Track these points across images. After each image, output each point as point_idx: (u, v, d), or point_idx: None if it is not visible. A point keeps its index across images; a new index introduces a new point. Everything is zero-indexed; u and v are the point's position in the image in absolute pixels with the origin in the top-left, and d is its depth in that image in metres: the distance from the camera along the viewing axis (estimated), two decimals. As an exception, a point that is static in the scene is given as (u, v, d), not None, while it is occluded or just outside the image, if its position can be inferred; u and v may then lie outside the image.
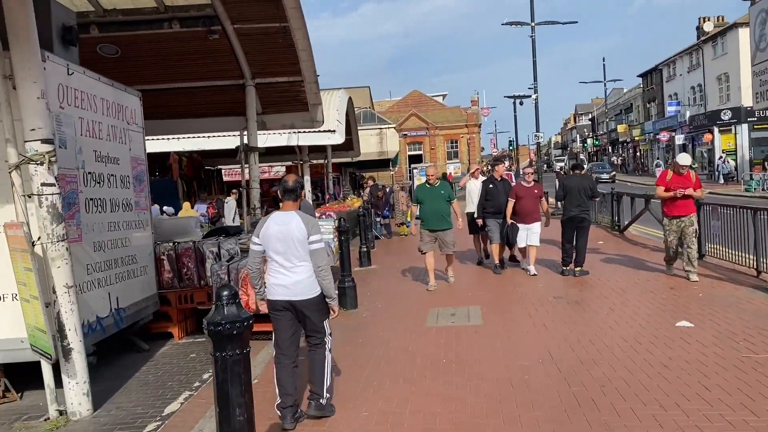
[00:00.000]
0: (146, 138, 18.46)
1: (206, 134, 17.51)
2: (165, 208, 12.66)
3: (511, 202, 10.61)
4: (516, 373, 5.63)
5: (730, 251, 10.18)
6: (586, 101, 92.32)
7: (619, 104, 67.64)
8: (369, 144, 31.60)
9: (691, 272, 9.29)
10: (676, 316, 7.35)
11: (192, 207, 19.30)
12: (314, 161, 26.32)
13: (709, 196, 27.71)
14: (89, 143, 5.98)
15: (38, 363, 5.04)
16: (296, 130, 17.30)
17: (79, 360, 4.91)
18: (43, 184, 4.72)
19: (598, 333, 6.82)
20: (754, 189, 27.90)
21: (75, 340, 4.89)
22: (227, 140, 17.83)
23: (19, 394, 5.70)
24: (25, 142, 4.80)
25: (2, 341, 5.20)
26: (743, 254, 9.63)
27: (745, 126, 38.01)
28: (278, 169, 31.07)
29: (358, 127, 32.10)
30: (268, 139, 17.83)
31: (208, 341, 3.19)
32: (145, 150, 7.40)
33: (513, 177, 19.55)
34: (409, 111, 62.83)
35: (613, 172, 49.13)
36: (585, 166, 51.98)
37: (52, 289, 4.79)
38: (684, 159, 9.61)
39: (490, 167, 14.51)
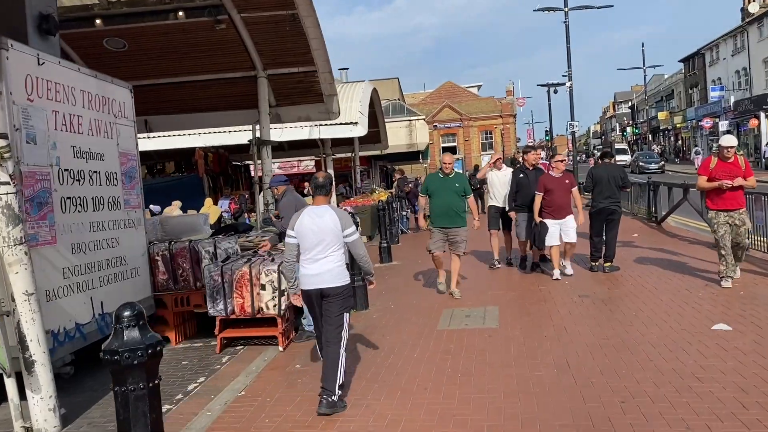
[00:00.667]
0: (172, 133, 18.53)
1: (231, 128, 17.20)
2: (151, 206, 12.31)
3: (538, 197, 9.32)
4: (526, 385, 5.06)
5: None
6: (626, 89, 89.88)
7: (659, 91, 65.51)
8: (398, 136, 30.94)
9: (726, 276, 8.01)
10: (713, 317, 6.66)
11: (216, 203, 19.13)
12: (342, 155, 25.92)
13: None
14: (66, 138, 5.60)
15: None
16: (317, 123, 16.84)
17: (43, 373, 4.53)
18: (-5, 183, 4.34)
19: (623, 337, 6.18)
20: (804, 176, 26.43)
21: (38, 351, 4.50)
22: (286, 132, 17.44)
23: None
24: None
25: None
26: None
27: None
28: (308, 163, 30.79)
29: (387, 119, 31.55)
30: (287, 133, 17.47)
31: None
32: (136, 145, 7.01)
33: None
34: (442, 102, 62.01)
35: (662, 162, 43.48)
36: (627, 155, 49.68)
37: (10, 296, 4.41)
38: (729, 140, 8.12)
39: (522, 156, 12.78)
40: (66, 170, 5.56)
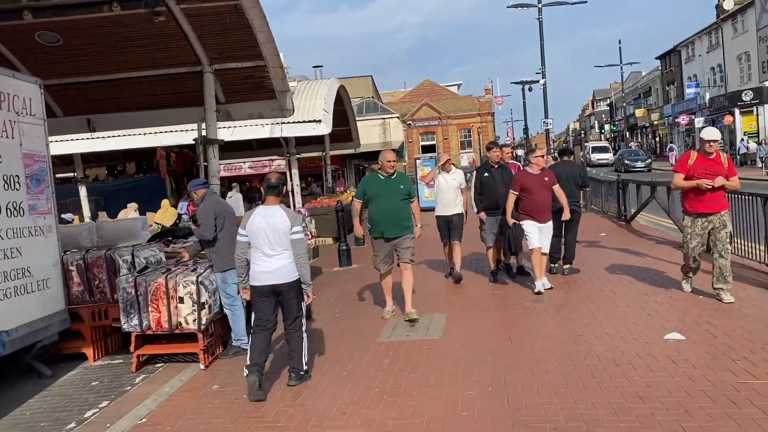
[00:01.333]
0: (132, 132, 17.85)
1: (193, 127, 16.60)
2: (63, 215, 11.67)
3: (512, 196, 8.12)
4: (454, 408, 4.58)
5: (738, 242, 9.00)
6: (605, 87, 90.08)
7: (637, 88, 65.63)
8: (372, 134, 30.56)
9: (723, 290, 6.94)
10: (667, 325, 6.24)
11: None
12: (311, 154, 25.38)
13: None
14: (-51, 138, 5.04)
15: None
16: (279, 121, 16.29)
17: None
18: None
19: (570, 349, 5.73)
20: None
21: None
22: (220, 133, 16.87)
23: None
24: None
25: None
26: (753, 245, 8.46)
27: (767, 106, 36.20)
28: (280, 162, 30.23)
29: (361, 118, 31.08)
30: (248, 131, 16.94)
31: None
32: (47, 145, 6.45)
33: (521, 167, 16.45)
34: (421, 101, 61.63)
35: (649, 160, 40.28)
36: (608, 153, 48.18)
37: None
38: (711, 133, 6.99)
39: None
40: (-53, 174, 4.99)
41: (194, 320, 5.98)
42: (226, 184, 23.18)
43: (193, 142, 17.73)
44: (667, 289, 7.81)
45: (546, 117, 29.88)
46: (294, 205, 18.00)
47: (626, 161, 39.29)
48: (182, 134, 18.68)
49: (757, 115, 37.06)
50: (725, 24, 41.24)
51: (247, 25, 9.94)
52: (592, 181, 20.24)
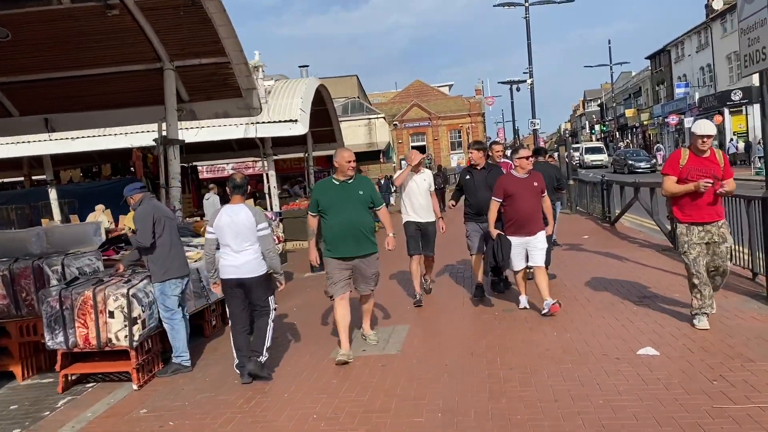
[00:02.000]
0: (105, 132, 17.25)
1: (190, 127, 16.04)
2: None
3: (494, 204, 7.11)
4: (396, 438, 4.10)
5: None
6: (596, 87, 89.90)
7: (627, 88, 65.39)
8: (357, 135, 30.04)
9: (701, 313, 5.98)
10: (641, 338, 5.77)
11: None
12: (297, 155, 24.87)
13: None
14: None
15: None
16: (253, 121, 15.81)
17: None
18: None
19: (534, 366, 5.26)
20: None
21: None
22: (190, 133, 16.39)
23: None
24: None
25: None
26: (736, 249, 8.01)
27: (756, 106, 35.88)
28: (264, 164, 29.81)
29: (346, 118, 30.60)
30: (221, 131, 16.43)
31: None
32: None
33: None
34: (411, 101, 61.14)
35: (654, 160, 37.54)
36: (603, 155, 46.48)
37: None
38: (705, 127, 5.87)
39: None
40: None
41: (126, 336, 5.47)
42: (205, 185, 22.69)
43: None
44: (644, 297, 7.35)
45: (533, 117, 29.42)
46: (271, 207, 17.51)
47: (630, 161, 37.45)
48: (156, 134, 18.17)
49: (747, 114, 36.79)
50: (714, 24, 40.97)
51: (206, 19, 9.44)
52: (578, 182, 19.88)
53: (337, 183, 6.06)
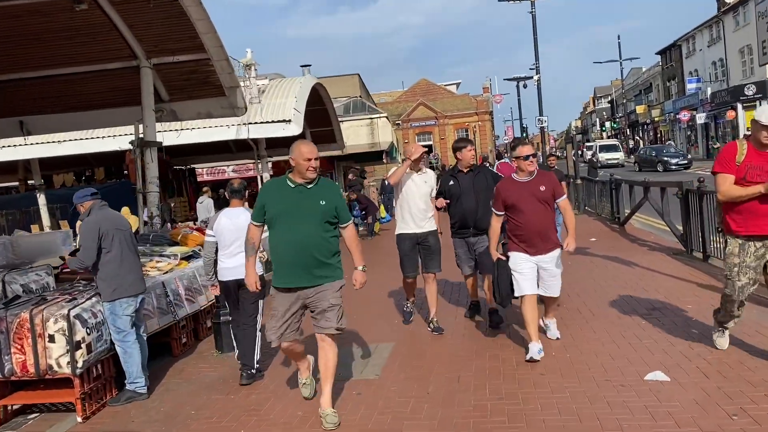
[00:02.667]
0: (98, 134, 16.69)
1: (174, 128, 15.50)
2: None
3: (495, 220, 5.65)
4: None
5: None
6: (606, 84, 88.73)
7: (638, 84, 64.37)
8: (359, 135, 29.39)
9: (723, 328, 5.24)
10: (650, 360, 5.12)
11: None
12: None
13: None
14: None
15: None
16: (245, 122, 15.22)
17: None
18: None
19: (525, 396, 4.61)
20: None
21: None
22: (192, 134, 15.88)
23: None
24: None
25: None
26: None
27: (771, 101, 34.98)
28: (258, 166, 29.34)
29: (347, 118, 29.96)
30: (212, 132, 15.87)
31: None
32: None
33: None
34: (416, 101, 60.45)
35: (690, 156, 34.62)
36: (619, 152, 43.99)
37: None
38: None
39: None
40: None
41: (68, 363, 4.87)
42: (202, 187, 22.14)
43: (182, 143, 16.62)
44: (653, 308, 6.68)
45: (540, 114, 28.70)
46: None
47: (665, 158, 34.02)
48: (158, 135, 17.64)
49: (761, 109, 35.81)
50: (726, 17, 40.01)
51: (182, 13, 8.85)
52: (585, 180, 19.15)
53: (293, 186, 4.50)
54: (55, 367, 4.89)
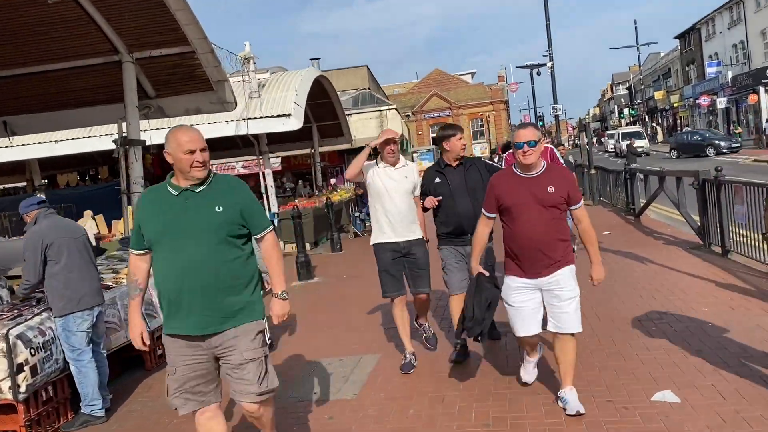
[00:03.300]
0: (100, 132, 16.37)
1: (172, 126, 15.11)
2: None
3: (483, 222, 4.36)
4: None
5: (759, 247, 7.25)
6: (624, 70, 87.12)
7: (656, 70, 63.02)
8: (368, 128, 28.86)
9: None
10: (659, 376, 4.55)
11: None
12: (304, 151, 23.97)
13: (755, 165, 24.09)
14: None
15: None
16: (244, 117, 14.76)
17: None
18: None
19: (519, 420, 4.08)
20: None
21: None
22: (209, 128, 15.47)
23: None
24: None
25: None
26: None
27: (795, 83, 33.83)
28: (274, 161, 28.96)
29: (356, 110, 29.46)
30: (211, 129, 15.39)
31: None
32: None
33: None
34: (430, 91, 59.82)
35: (740, 140, 32.23)
36: (644, 140, 41.79)
37: None
38: None
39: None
40: None
41: (9, 388, 4.42)
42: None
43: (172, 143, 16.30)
44: (666, 312, 6.09)
45: (555, 102, 27.98)
46: (269, 208, 16.48)
47: (716, 141, 31.61)
48: (162, 132, 17.22)
49: (784, 93, 34.72)
50: (747, -3, 38.81)
51: (161, 4, 8.35)
52: (599, 169, 18.42)
53: (175, 193, 3.25)
54: (-3, 392, 4.45)
